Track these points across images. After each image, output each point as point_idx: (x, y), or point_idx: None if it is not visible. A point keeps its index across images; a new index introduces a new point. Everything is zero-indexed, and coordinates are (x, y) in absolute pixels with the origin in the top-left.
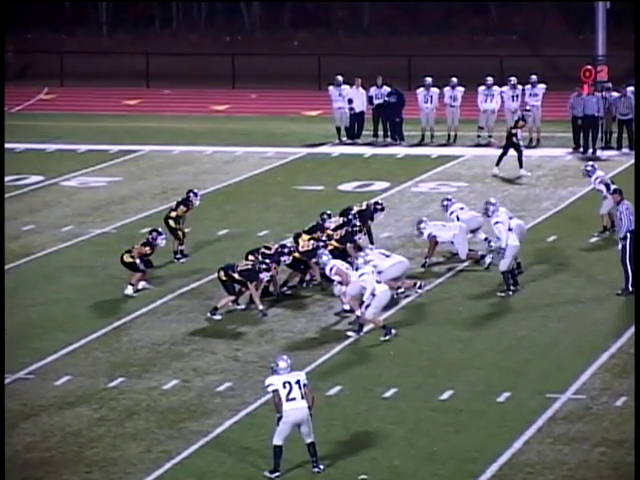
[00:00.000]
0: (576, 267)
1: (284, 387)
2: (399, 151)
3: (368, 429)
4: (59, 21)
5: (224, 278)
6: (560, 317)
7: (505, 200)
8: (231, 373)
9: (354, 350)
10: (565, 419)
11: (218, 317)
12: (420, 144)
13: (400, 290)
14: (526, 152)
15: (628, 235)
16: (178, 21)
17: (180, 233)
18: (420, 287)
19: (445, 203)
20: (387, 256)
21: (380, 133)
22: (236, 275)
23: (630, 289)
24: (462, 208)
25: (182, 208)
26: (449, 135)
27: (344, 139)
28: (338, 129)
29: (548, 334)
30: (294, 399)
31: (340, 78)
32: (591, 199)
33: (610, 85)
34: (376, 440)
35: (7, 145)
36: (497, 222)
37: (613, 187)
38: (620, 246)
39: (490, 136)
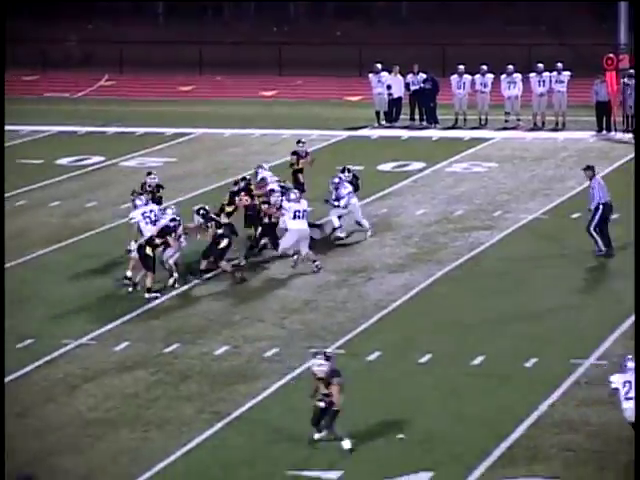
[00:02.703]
0: (630, 241)
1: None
2: (434, 134)
3: (404, 392)
4: (118, 13)
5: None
6: (583, 288)
7: (533, 179)
8: (278, 339)
9: (392, 319)
10: (588, 384)
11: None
12: (453, 127)
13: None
14: (552, 134)
15: (600, 207)
16: (229, 12)
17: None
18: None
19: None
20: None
21: (416, 117)
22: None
23: (603, 249)
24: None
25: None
26: (480, 119)
27: (383, 123)
28: (377, 113)
29: (572, 304)
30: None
31: (379, 66)
32: (613, 179)
33: (632, 72)
34: (412, 403)
35: (70, 128)
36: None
37: (586, 164)
38: (590, 216)
39: (519, 119)
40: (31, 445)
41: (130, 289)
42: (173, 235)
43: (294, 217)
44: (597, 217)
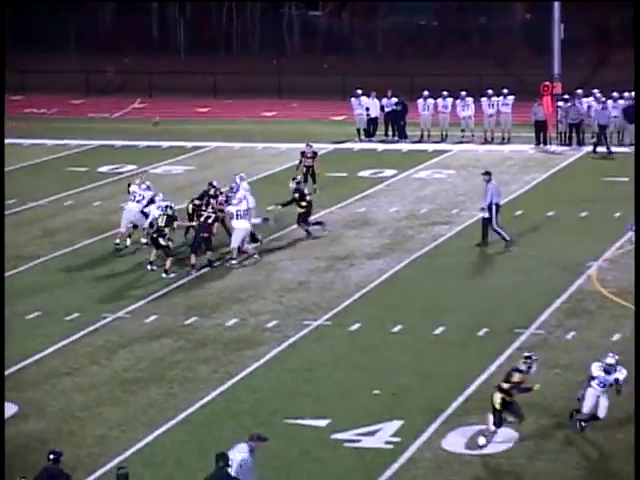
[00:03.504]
0: (536, 234)
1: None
2: (404, 147)
3: (380, 356)
4: (148, 49)
5: None
6: (524, 270)
7: (480, 184)
8: (277, 313)
9: (369, 297)
10: (528, 349)
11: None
12: (419, 141)
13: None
14: (500, 147)
15: (493, 207)
16: (237, 48)
17: None
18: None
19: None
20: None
21: (389, 133)
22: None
23: (508, 238)
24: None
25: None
26: (441, 135)
27: (362, 138)
28: (358, 130)
29: (515, 284)
30: None
31: (359, 91)
32: (549, 183)
33: (565, 97)
34: (386, 364)
35: (109, 142)
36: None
37: (485, 170)
38: (485, 214)
39: (472, 135)
40: (78, 398)
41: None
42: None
43: (236, 217)
44: (494, 215)
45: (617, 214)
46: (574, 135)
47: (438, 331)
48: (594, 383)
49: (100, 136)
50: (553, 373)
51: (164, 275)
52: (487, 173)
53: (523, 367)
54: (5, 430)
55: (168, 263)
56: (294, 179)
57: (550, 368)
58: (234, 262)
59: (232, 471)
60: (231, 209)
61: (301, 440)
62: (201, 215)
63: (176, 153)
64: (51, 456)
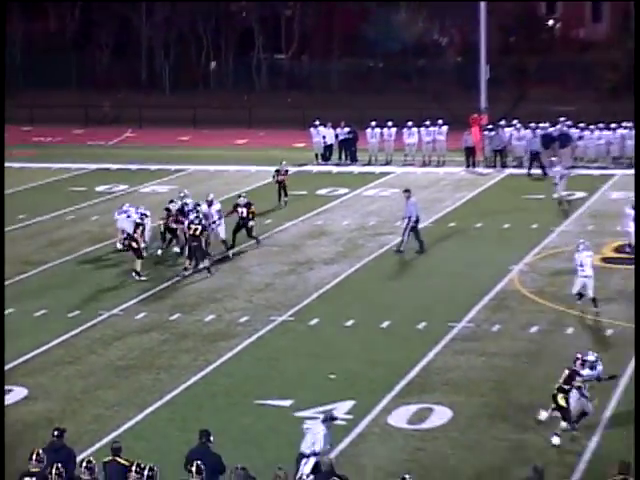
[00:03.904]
0: (466, 242)
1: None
2: (355, 169)
3: (335, 346)
4: (138, 86)
5: None
6: (456, 273)
7: (419, 201)
8: (248, 310)
9: (326, 296)
10: (461, 339)
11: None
12: (368, 164)
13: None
14: (435, 169)
15: (412, 219)
16: (214, 85)
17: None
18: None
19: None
20: None
21: (343, 158)
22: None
23: (402, 250)
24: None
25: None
26: (386, 159)
27: (320, 161)
28: (316, 155)
29: (449, 285)
30: None
31: (317, 122)
32: (478, 198)
33: (490, 127)
34: (340, 353)
35: (105, 165)
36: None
37: (405, 188)
38: (404, 224)
39: (413, 159)
40: (78, 383)
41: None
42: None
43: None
44: (409, 227)
45: (534, 225)
46: (498, 159)
47: (384, 325)
48: (575, 387)
49: (97, 161)
50: (481, 360)
51: (136, 278)
52: (407, 191)
53: (580, 368)
54: (17, 410)
55: (138, 266)
56: (240, 196)
57: (479, 355)
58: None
59: (312, 446)
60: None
61: (268, 417)
62: (190, 228)
63: (162, 175)
64: (56, 432)
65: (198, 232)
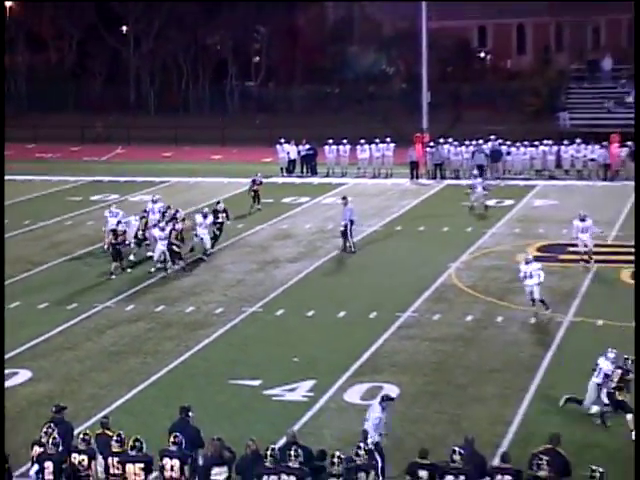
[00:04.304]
0: (411, 243)
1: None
2: (315, 181)
3: (298, 334)
4: (126, 108)
5: None
6: (402, 269)
7: (373, 207)
8: (222, 303)
9: (290, 290)
10: (406, 327)
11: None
12: (326, 176)
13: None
14: (384, 181)
15: (348, 224)
16: (192, 109)
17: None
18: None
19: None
20: None
21: (304, 171)
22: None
23: (348, 249)
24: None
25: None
26: (342, 172)
27: (284, 174)
28: (281, 168)
29: (396, 280)
30: None
31: (282, 140)
32: (421, 206)
33: (431, 144)
34: (302, 339)
35: (98, 178)
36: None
37: (342, 196)
38: (342, 228)
39: (365, 172)
40: (76, 366)
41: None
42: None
43: (159, 238)
44: (349, 229)
45: (469, 229)
46: (438, 172)
47: (340, 315)
48: (599, 376)
49: (91, 174)
50: (424, 344)
51: (111, 276)
52: (344, 198)
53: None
54: (22, 390)
55: (112, 266)
56: (218, 202)
57: (422, 341)
58: (153, 270)
59: (370, 424)
60: (155, 232)
61: (240, 395)
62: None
63: (148, 186)
64: (55, 409)
65: (172, 237)
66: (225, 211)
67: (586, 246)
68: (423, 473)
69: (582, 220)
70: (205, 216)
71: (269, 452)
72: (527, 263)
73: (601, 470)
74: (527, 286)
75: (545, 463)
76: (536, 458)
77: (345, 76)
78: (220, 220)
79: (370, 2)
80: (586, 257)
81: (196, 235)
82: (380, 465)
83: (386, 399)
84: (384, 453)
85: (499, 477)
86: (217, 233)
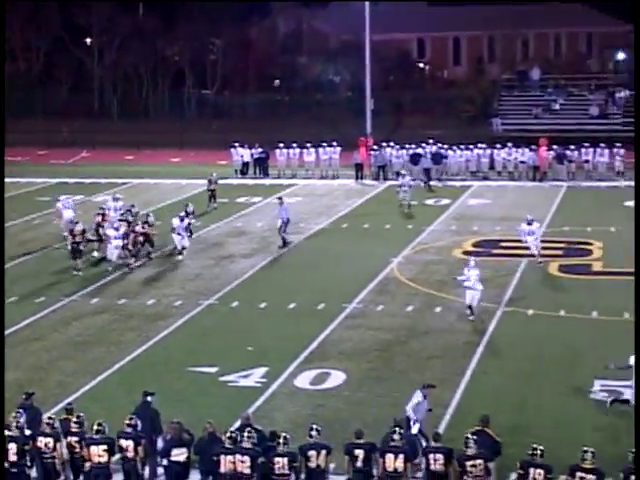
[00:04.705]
0: (356, 239)
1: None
2: (266, 182)
3: (251, 324)
4: (91, 115)
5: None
6: (348, 264)
7: (321, 206)
8: (181, 296)
9: (244, 283)
10: (352, 317)
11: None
12: (277, 178)
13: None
14: (331, 181)
15: (284, 221)
16: (153, 114)
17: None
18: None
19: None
20: None
21: (257, 173)
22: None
23: (283, 243)
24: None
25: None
26: (292, 174)
27: (238, 176)
28: (235, 170)
29: (342, 273)
30: None
31: (236, 144)
32: (365, 205)
33: (375, 147)
34: (256, 330)
35: (64, 180)
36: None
37: (278, 196)
38: (280, 227)
39: (313, 173)
40: (44, 356)
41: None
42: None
43: (114, 238)
44: (284, 227)
45: (410, 226)
46: (381, 173)
47: (291, 306)
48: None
49: (58, 176)
50: (368, 333)
51: (77, 272)
52: (280, 198)
53: None
54: None
55: (78, 263)
56: (187, 205)
57: (366, 330)
58: (110, 269)
59: (410, 411)
60: (110, 232)
61: (198, 382)
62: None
63: (111, 187)
64: (24, 395)
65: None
66: (193, 213)
67: (534, 248)
68: (359, 452)
69: (529, 224)
70: (182, 219)
71: (228, 434)
72: (470, 267)
73: (541, 448)
74: (468, 290)
75: (473, 442)
76: (467, 438)
77: (295, 85)
78: (189, 222)
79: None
80: (539, 258)
81: (179, 234)
82: (425, 446)
83: (427, 387)
84: (427, 436)
85: (432, 456)
86: (188, 234)
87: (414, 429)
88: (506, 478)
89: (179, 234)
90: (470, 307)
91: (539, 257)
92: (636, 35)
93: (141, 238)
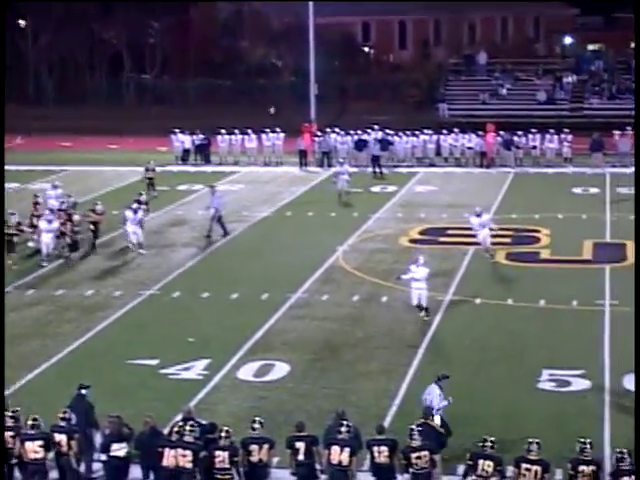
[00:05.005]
0: (300, 228)
1: None
2: (209, 169)
3: (193, 314)
4: (27, 101)
5: None
6: (292, 253)
7: (264, 194)
8: (121, 286)
9: (186, 273)
10: (297, 307)
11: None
12: (220, 164)
13: None
14: (275, 168)
15: (218, 209)
16: (90, 100)
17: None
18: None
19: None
20: None
21: (198, 160)
22: None
23: (209, 235)
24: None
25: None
26: (235, 161)
27: (179, 162)
28: (176, 157)
29: (287, 262)
30: None
31: (177, 130)
32: (309, 193)
33: (319, 134)
34: (197, 319)
35: None
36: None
37: (210, 184)
38: (210, 212)
39: (255, 160)
40: None
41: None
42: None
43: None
44: (216, 216)
45: (355, 214)
46: (326, 160)
47: (234, 296)
48: None
49: None
50: (313, 323)
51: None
52: (212, 187)
53: None
54: None
55: (12, 257)
56: (140, 194)
57: (311, 320)
58: (44, 260)
59: (435, 404)
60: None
61: (138, 374)
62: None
63: (48, 174)
64: None
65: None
66: (147, 203)
67: (485, 242)
68: (300, 445)
69: (478, 216)
70: (135, 211)
71: (176, 428)
72: (417, 265)
73: (492, 439)
74: (414, 290)
75: (417, 434)
76: (411, 430)
77: (236, 69)
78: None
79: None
80: (491, 252)
81: (133, 230)
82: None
83: (442, 378)
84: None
85: (376, 448)
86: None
87: (436, 419)
88: (454, 470)
89: (133, 228)
90: (419, 307)
91: (492, 251)
92: (636, 34)
93: (78, 228)
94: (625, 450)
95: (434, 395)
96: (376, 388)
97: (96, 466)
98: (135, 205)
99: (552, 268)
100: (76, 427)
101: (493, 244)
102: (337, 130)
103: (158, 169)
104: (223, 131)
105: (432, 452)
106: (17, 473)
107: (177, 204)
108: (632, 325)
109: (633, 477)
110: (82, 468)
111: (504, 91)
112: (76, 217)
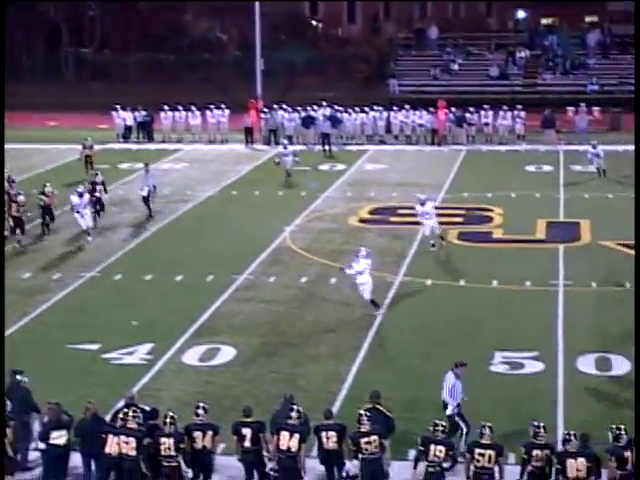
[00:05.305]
0: (246, 208)
1: None
2: (152, 147)
3: (135, 297)
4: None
5: None
6: (238, 233)
7: (208, 172)
8: (62, 269)
9: (130, 253)
10: (243, 289)
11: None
12: (163, 142)
13: None
14: (219, 146)
15: (151, 190)
16: (26, 77)
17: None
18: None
19: None
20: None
21: (141, 137)
22: None
23: (151, 215)
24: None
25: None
26: (178, 138)
27: (121, 140)
28: (117, 135)
29: (232, 243)
30: None
31: (118, 107)
32: (254, 172)
33: (265, 110)
34: (141, 304)
35: None
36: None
37: (145, 163)
38: (144, 193)
39: (200, 137)
40: None
41: None
42: None
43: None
44: (151, 195)
45: (303, 193)
46: (272, 137)
47: (178, 278)
48: None
49: None
50: (260, 306)
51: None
52: (146, 164)
53: None
54: None
55: None
56: (96, 174)
57: (258, 303)
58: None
59: (447, 392)
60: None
61: (79, 359)
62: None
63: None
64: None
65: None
66: (103, 184)
67: (432, 231)
68: (246, 431)
69: (422, 204)
70: (81, 195)
71: (121, 415)
72: (361, 257)
73: (443, 424)
74: (360, 285)
75: (366, 418)
76: (360, 415)
77: (179, 43)
78: (97, 194)
79: None
80: (440, 241)
81: (78, 212)
82: (465, 431)
83: (459, 365)
84: (467, 419)
85: (324, 434)
86: (98, 208)
87: (448, 411)
88: (405, 455)
89: (78, 212)
90: (372, 301)
91: (440, 240)
92: (636, 33)
93: (22, 208)
94: (572, 432)
95: (449, 384)
96: (325, 372)
97: (34, 455)
98: (80, 188)
99: (505, 248)
100: (11, 414)
101: (444, 223)
102: (284, 106)
103: (99, 147)
104: (166, 107)
105: (381, 437)
106: None
107: (118, 183)
108: (586, 305)
109: (579, 459)
110: (19, 457)
111: (456, 66)
112: (20, 198)
